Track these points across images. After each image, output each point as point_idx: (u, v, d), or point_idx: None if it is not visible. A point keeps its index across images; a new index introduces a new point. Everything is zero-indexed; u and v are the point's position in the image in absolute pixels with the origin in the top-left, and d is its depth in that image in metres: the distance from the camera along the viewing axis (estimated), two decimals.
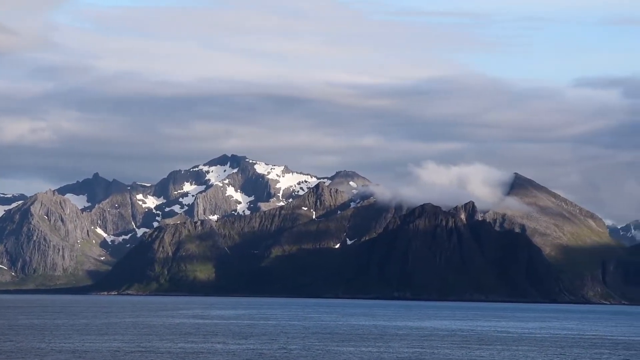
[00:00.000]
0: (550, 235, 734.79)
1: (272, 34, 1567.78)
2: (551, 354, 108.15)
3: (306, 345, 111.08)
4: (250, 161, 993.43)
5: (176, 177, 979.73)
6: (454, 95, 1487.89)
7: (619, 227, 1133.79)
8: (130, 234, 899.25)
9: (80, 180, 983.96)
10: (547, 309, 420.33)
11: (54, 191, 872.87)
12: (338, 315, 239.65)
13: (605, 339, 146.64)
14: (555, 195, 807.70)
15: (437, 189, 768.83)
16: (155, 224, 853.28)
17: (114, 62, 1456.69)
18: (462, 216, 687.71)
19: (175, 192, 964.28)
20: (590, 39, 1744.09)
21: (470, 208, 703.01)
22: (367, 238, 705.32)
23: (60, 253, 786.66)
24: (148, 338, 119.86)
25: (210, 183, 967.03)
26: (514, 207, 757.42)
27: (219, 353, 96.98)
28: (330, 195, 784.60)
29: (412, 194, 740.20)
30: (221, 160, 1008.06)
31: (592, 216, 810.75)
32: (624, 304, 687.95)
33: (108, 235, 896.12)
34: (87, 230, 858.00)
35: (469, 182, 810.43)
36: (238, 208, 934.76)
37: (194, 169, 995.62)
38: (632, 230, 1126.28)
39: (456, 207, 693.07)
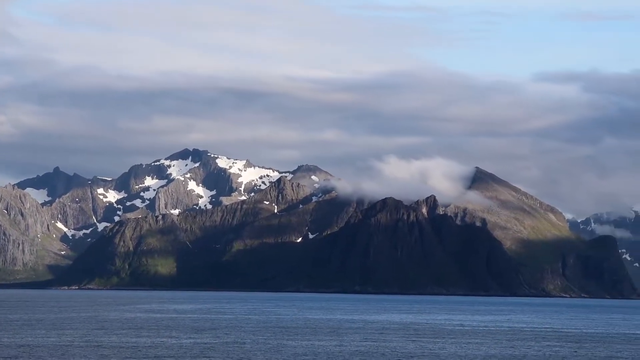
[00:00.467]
0: (511, 229, 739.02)
1: (233, 29, 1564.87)
2: (501, 346, 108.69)
3: (257, 340, 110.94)
4: (212, 155, 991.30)
5: (137, 172, 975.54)
6: (415, 89, 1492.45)
7: (579, 221, 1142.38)
8: (91, 229, 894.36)
9: (41, 175, 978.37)
10: (506, 302, 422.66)
11: (13, 185, 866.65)
12: (296, 309, 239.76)
13: (558, 332, 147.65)
14: (515, 189, 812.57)
15: (399, 183, 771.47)
16: (117, 218, 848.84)
17: (73, 56, 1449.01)
18: (424, 210, 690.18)
19: (137, 187, 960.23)
20: (550, 33, 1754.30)
21: (431, 202, 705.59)
22: (328, 232, 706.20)
23: (20, 247, 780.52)
24: (99, 333, 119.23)
25: (171, 177, 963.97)
26: (475, 201, 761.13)
27: (169, 347, 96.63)
28: (292, 190, 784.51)
29: (373, 188, 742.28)
30: (182, 155, 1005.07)
31: (552, 210, 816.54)
32: (583, 297, 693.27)
33: (69, 229, 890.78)
34: (48, 225, 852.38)
35: (430, 176, 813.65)
36: (200, 202, 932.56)
37: (155, 163, 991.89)
38: (592, 224, 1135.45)
39: (417, 201, 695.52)
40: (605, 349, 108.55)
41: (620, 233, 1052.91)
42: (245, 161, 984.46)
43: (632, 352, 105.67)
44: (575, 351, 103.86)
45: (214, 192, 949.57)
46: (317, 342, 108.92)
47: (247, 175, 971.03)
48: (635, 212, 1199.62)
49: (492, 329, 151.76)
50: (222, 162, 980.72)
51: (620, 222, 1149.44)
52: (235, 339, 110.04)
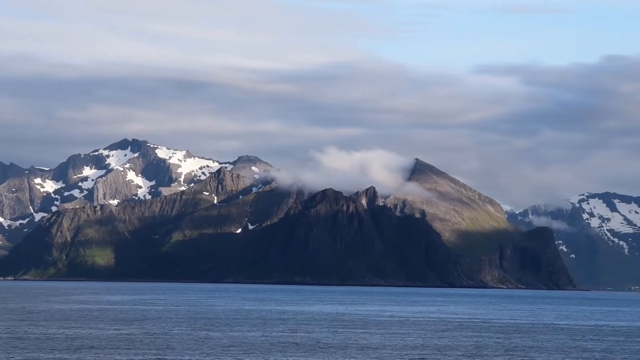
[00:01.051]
0: (450, 221, 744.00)
1: (173, 18, 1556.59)
2: (427, 337, 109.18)
3: (183, 331, 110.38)
4: (151, 145, 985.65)
5: (75, 162, 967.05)
6: (355, 80, 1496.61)
7: (516, 213, 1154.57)
8: (27, 219, 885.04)
9: None
10: (442, 293, 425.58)
11: None
12: (230, 300, 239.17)
13: (487, 323, 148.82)
14: (454, 181, 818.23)
15: (339, 174, 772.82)
16: (54, 209, 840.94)
17: (10, 44, 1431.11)
18: (363, 201, 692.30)
19: (75, 177, 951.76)
20: (489, 26, 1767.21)
21: (371, 193, 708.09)
22: (268, 223, 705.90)
23: None
24: (24, 324, 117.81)
25: (110, 167, 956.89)
26: (415, 192, 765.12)
27: (92, 338, 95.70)
28: (232, 180, 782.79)
29: (313, 179, 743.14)
30: (122, 145, 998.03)
31: (491, 201, 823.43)
32: (520, 288, 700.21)
33: (5, 219, 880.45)
34: None
35: (370, 168, 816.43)
36: (139, 193, 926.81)
37: (94, 153, 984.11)
38: (530, 216, 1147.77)
39: (357, 192, 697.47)
40: (529, 339, 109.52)
41: (557, 225, 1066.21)
42: (185, 152, 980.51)
43: (556, 342, 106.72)
44: (500, 341, 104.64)
45: (153, 183, 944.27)
46: (243, 333, 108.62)
47: (187, 165, 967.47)
48: (572, 203, 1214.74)
49: (422, 319, 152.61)
50: (161, 153, 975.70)
51: (557, 214, 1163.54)
52: (161, 330, 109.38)
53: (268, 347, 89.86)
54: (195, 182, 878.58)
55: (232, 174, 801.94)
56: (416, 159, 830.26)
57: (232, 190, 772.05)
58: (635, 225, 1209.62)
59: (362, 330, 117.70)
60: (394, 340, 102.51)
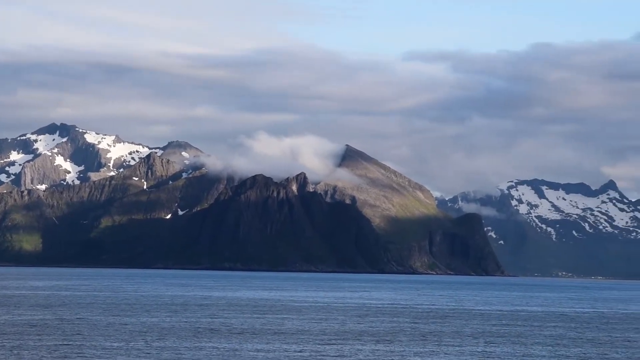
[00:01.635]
0: (380, 207, 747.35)
1: (106, 2, 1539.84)
2: (347, 322, 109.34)
3: (96, 317, 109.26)
4: (80, 130, 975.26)
5: (2, 146, 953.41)
6: (286, 66, 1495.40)
7: (446, 199, 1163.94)
8: None
9: None
10: (370, 279, 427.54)
11: None
12: (157, 285, 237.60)
13: (405, 308, 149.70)
14: (385, 167, 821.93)
15: (269, 160, 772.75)
16: None
17: None
18: (294, 187, 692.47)
19: (2, 161, 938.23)
20: (420, 13, 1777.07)
21: (301, 179, 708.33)
22: (198, 209, 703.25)
23: None
24: None
25: (38, 152, 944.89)
26: (345, 178, 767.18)
27: (3, 324, 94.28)
28: (162, 166, 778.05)
29: (243, 165, 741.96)
30: (50, 129, 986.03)
31: (421, 188, 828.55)
32: (449, 274, 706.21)
33: None
34: None
35: (300, 154, 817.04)
36: (67, 178, 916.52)
37: (21, 138, 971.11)
38: (459, 202, 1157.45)
39: (288, 178, 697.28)
40: (446, 325, 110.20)
41: (486, 211, 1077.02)
42: (114, 136, 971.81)
43: (472, 327, 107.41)
44: (417, 326, 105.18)
45: (82, 168, 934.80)
46: (161, 318, 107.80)
47: (116, 150, 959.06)
48: (501, 190, 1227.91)
49: (343, 305, 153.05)
50: (90, 137, 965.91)
51: (486, 200, 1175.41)
52: (76, 316, 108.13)
53: (183, 332, 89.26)
54: (124, 168, 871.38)
55: (162, 159, 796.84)
56: (347, 145, 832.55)
57: (162, 175, 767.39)
58: (563, 211, 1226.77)
59: (281, 316, 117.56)
60: (311, 325, 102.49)
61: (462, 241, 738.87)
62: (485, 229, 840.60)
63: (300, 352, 74.34)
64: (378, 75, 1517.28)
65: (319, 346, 79.26)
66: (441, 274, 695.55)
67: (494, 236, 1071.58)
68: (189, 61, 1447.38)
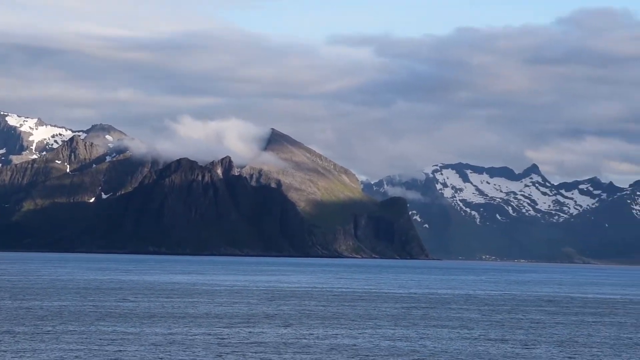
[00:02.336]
0: (305, 191, 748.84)
1: None
2: (258, 305, 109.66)
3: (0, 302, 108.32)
4: (2, 113, 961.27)
5: None
6: (210, 49, 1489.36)
7: (372, 183, 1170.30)
8: None
9: None
10: (293, 263, 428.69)
11: None
12: (74, 269, 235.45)
13: (322, 292, 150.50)
14: (310, 151, 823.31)
15: (194, 144, 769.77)
16: None
17: None
18: (219, 171, 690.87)
19: None
20: None
21: (226, 163, 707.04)
22: (122, 192, 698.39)
23: None
24: None
25: None
26: (270, 162, 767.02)
27: None
28: (85, 149, 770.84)
29: (168, 149, 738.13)
30: None
31: (346, 172, 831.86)
32: (374, 257, 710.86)
33: None
34: None
35: (225, 137, 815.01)
36: None
37: None
38: (385, 186, 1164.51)
39: (212, 162, 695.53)
40: (354, 307, 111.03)
41: (411, 195, 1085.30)
42: (36, 119, 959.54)
43: (380, 310, 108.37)
44: (325, 309, 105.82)
45: (3, 151, 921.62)
46: (69, 302, 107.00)
47: (39, 133, 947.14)
48: (426, 174, 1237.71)
49: (258, 289, 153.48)
50: (12, 120, 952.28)
51: (411, 184, 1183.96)
52: None
53: (91, 317, 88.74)
54: (47, 151, 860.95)
55: (86, 142, 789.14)
56: (272, 128, 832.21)
57: (85, 158, 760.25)
58: (487, 195, 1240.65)
59: (192, 300, 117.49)
60: (221, 309, 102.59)
61: (387, 225, 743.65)
62: (410, 212, 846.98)
63: (202, 335, 74.44)
64: (303, 59, 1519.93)
65: (223, 329, 79.43)
66: (366, 258, 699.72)
67: (419, 220, 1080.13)
68: (112, 43, 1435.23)
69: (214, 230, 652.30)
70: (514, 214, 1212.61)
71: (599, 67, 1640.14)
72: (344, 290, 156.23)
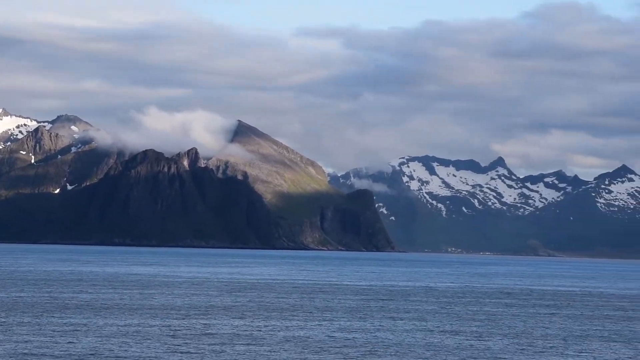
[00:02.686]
0: (272, 183, 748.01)
1: None
2: (216, 296, 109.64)
3: None
4: None
5: None
6: (178, 41, 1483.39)
7: (339, 175, 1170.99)
8: None
9: None
10: (259, 255, 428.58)
11: None
12: (35, 260, 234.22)
13: (281, 284, 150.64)
14: (277, 143, 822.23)
15: (160, 135, 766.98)
16: None
17: None
18: (185, 162, 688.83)
19: None
20: None
21: (193, 155, 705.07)
22: (88, 183, 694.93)
23: None
24: None
25: None
26: (237, 154, 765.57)
27: None
28: (51, 140, 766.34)
29: (134, 140, 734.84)
30: None
31: (313, 164, 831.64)
32: (340, 249, 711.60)
33: None
34: None
35: (192, 129, 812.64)
36: None
37: None
38: (352, 178, 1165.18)
39: (179, 153, 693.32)
40: (310, 299, 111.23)
41: (378, 187, 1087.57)
42: (1, 110, 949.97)
43: (336, 302, 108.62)
44: (282, 300, 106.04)
45: None
46: (25, 294, 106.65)
47: (3, 124, 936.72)
48: (393, 166, 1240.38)
49: (217, 281, 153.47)
50: None
51: (378, 177, 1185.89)
52: None
53: (44, 308, 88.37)
54: (12, 141, 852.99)
55: (51, 133, 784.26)
56: (239, 120, 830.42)
57: (50, 149, 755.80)
58: (453, 188, 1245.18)
59: (151, 291, 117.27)
60: (177, 300, 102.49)
61: (353, 217, 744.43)
62: (376, 205, 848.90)
63: (157, 327, 74.31)
64: (270, 51, 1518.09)
65: (178, 321, 79.35)
66: (332, 250, 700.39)
67: (385, 212, 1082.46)
68: (78, 34, 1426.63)
69: (180, 222, 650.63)
70: (480, 207, 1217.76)
71: (565, 61, 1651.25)
72: (304, 282, 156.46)
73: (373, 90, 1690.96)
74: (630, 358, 65.13)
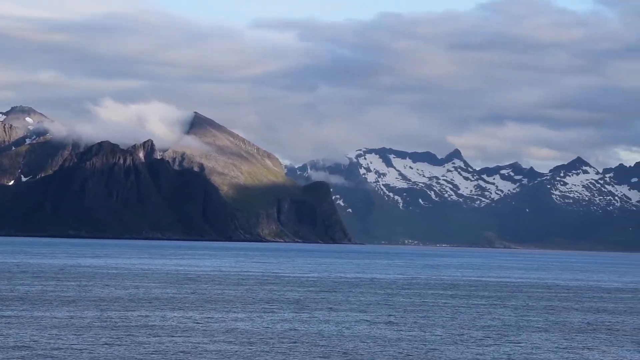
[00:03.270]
0: (228, 175, 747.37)
1: None
2: (154, 288, 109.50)
3: None
4: None
5: None
6: (133, 32, 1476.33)
7: (295, 167, 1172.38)
8: None
9: None
10: (213, 247, 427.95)
11: None
12: None
13: (223, 276, 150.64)
14: (233, 135, 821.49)
15: (115, 127, 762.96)
16: None
17: None
18: (141, 154, 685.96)
19: None
20: None
21: (148, 146, 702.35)
22: (42, 175, 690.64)
23: None
24: None
25: None
26: (193, 146, 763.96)
27: None
28: (4, 131, 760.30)
29: (89, 132, 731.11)
30: None
31: (269, 156, 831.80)
32: (297, 241, 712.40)
33: None
34: None
35: (147, 121, 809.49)
36: None
37: None
38: (308, 170, 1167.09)
39: (134, 145, 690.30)
40: (253, 291, 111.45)
41: (334, 179, 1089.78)
42: None
43: (280, 293, 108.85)
44: (222, 292, 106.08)
45: None
46: None
47: None
48: (350, 158, 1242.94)
49: (163, 272, 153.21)
50: None
51: (335, 169, 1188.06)
52: None
53: None
54: None
55: (5, 124, 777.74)
56: (195, 112, 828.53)
57: (4, 141, 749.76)
58: (410, 180, 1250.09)
59: (93, 283, 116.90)
60: (115, 292, 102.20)
61: (310, 209, 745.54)
62: (333, 197, 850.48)
63: (95, 319, 74.08)
64: (226, 43, 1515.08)
65: (117, 313, 79.10)
66: (289, 242, 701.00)
67: (342, 204, 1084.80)
68: (31, 25, 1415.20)
69: (135, 213, 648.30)
70: (436, 199, 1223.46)
71: (520, 53, 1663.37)
72: (253, 274, 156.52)
73: (329, 83, 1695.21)
74: (566, 348, 65.82)
